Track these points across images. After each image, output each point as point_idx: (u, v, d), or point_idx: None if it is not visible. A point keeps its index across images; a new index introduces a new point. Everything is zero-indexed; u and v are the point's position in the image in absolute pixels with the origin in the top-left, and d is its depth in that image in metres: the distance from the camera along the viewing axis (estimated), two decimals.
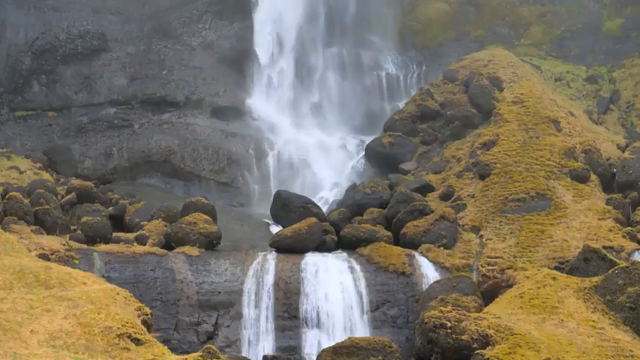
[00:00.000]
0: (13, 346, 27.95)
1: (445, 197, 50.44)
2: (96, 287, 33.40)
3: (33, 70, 62.13)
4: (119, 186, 56.22)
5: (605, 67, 67.66)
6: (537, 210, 47.07)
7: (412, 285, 42.98)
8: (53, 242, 41.49)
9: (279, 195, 49.88)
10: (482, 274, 43.63)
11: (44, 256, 38.84)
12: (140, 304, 34.00)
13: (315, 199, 51.87)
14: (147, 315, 33.59)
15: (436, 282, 42.36)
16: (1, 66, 62.10)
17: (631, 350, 34.63)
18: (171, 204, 47.95)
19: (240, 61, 65.14)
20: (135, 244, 43.50)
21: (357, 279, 42.80)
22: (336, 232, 46.32)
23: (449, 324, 34.81)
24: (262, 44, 67.39)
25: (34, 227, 42.91)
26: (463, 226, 47.23)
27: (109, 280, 38.28)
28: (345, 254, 44.63)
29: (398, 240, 46.21)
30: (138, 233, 44.70)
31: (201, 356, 29.77)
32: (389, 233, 46.05)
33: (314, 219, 45.65)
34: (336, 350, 36.14)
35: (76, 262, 40.34)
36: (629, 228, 45.84)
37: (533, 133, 52.63)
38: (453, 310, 36.01)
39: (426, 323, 35.27)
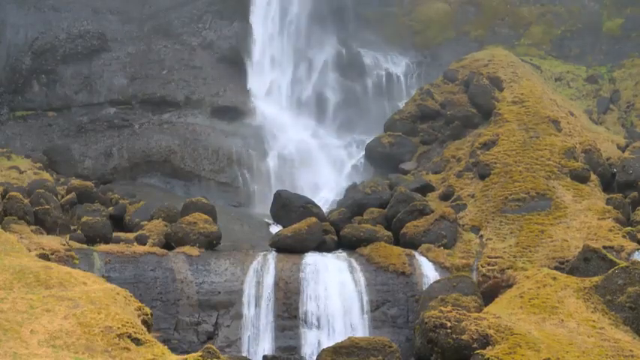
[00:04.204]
0: (13, 346, 27.95)
1: (445, 197, 50.45)
2: (96, 287, 33.39)
3: (33, 70, 62.14)
4: (119, 186, 56.22)
5: (605, 67, 67.67)
6: (537, 210, 47.07)
7: (412, 285, 42.98)
8: (53, 242, 41.49)
9: (279, 195, 49.88)
10: (482, 274, 43.64)
11: (44, 256, 38.82)
12: (140, 304, 33.98)
13: (315, 199, 51.85)
14: (147, 315, 33.58)
15: (436, 282, 42.36)
16: (1, 66, 62.13)
17: (631, 350, 34.62)
18: (171, 204, 47.94)
19: (240, 60, 65.13)
20: (135, 244, 43.50)
21: (357, 279, 42.80)
22: (336, 232, 46.32)
23: (449, 324, 34.79)
24: (262, 44, 67.37)
25: (34, 227, 42.91)
26: (463, 226, 47.23)
27: (109, 280, 38.26)
28: (345, 254, 44.63)
29: (398, 240, 46.21)
30: (138, 233, 44.70)
31: (201, 356, 29.77)
32: (389, 233, 46.04)
33: (314, 219, 45.65)
34: (336, 350, 36.15)
35: (76, 262, 40.35)
36: (629, 228, 45.82)
37: (533, 133, 52.62)
38: (453, 310, 36.00)
39: (426, 323, 35.26)
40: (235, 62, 64.93)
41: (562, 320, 36.51)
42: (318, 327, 41.55)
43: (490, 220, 47.18)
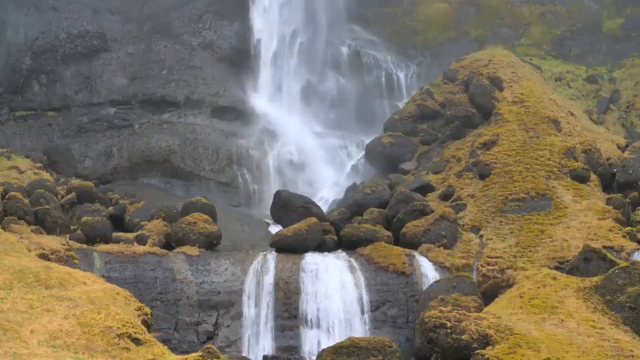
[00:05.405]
0: (13, 346, 27.95)
1: (445, 197, 50.43)
2: (96, 287, 33.41)
3: (33, 70, 62.17)
4: (119, 186, 56.26)
5: (605, 67, 67.70)
6: (537, 210, 47.05)
7: (412, 285, 42.97)
8: (53, 242, 41.49)
9: (279, 195, 49.87)
10: (482, 274, 43.64)
11: (44, 256, 38.84)
12: (140, 304, 34.01)
13: (315, 199, 51.87)
14: (147, 315, 33.60)
15: (436, 282, 42.34)
16: (1, 66, 62.15)
17: (631, 350, 34.61)
18: (171, 204, 47.97)
19: (240, 60, 65.14)
20: (135, 244, 43.51)
21: (357, 279, 42.80)
22: (336, 232, 46.29)
23: (449, 324, 34.78)
24: (262, 44, 67.37)
25: (34, 227, 42.91)
26: (463, 226, 47.22)
27: (109, 280, 38.26)
28: (345, 254, 44.61)
29: (398, 240, 46.20)
30: (138, 233, 44.71)
31: (201, 356, 29.78)
32: (389, 233, 46.03)
33: (314, 219, 45.64)
34: (336, 350, 36.11)
35: (76, 262, 40.34)
36: (629, 228, 45.82)
37: (533, 133, 52.62)
38: (453, 310, 35.98)
39: (426, 323, 35.25)
40: (235, 62, 64.97)
41: (562, 320, 36.51)
42: (318, 327, 41.55)
43: (490, 220, 47.17)
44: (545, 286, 38.82)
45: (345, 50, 68.98)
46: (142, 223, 46.12)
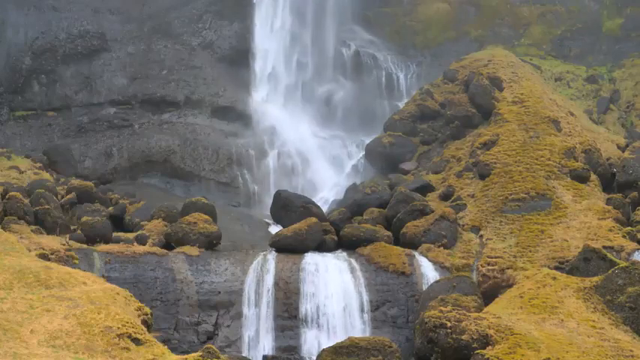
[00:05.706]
0: (13, 346, 27.95)
1: (445, 197, 50.44)
2: (96, 287, 33.41)
3: (33, 70, 62.13)
4: (119, 186, 56.23)
5: (605, 67, 67.70)
6: (537, 210, 47.06)
7: (412, 285, 42.97)
8: (53, 242, 41.50)
9: (279, 195, 49.87)
10: (482, 274, 43.64)
11: (44, 256, 38.84)
12: (140, 304, 34.02)
13: (315, 199, 51.86)
14: (147, 315, 33.61)
15: (436, 282, 42.35)
16: (1, 66, 62.11)
17: (631, 350, 34.62)
18: (171, 204, 47.96)
19: (240, 60, 65.12)
20: (135, 244, 43.51)
21: (357, 279, 42.80)
22: (336, 232, 46.30)
23: (449, 324, 34.79)
24: (262, 44, 67.35)
25: (34, 227, 42.92)
26: (463, 226, 47.22)
27: (109, 280, 38.27)
28: (345, 254, 44.62)
29: (398, 240, 46.21)
30: (138, 233, 44.71)
31: (201, 356, 29.78)
32: (389, 233, 46.04)
33: (314, 219, 45.64)
34: (336, 350, 36.13)
35: (76, 262, 40.35)
36: (629, 228, 45.83)
37: (533, 133, 52.62)
38: (453, 310, 35.99)
39: (426, 323, 35.26)
40: (235, 62, 64.94)
41: (562, 320, 36.51)
42: (318, 327, 41.55)
43: (490, 220, 47.18)
44: (545, 286, 38.83)
45: (345, 51, 68.97)
46: (142, 223, 46.13)
